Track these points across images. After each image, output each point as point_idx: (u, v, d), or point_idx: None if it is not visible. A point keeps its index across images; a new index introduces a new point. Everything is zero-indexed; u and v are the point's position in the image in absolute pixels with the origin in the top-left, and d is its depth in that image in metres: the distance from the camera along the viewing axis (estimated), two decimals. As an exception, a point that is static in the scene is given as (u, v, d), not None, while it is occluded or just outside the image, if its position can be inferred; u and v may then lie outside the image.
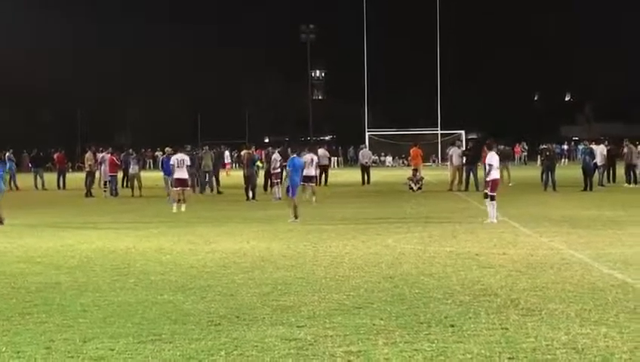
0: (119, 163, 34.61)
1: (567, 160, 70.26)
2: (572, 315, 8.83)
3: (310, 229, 18.22)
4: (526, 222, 19.07)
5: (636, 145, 35.17)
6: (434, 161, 71.73)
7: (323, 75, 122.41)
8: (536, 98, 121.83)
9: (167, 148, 31.79)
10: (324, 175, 39.25)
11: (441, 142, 72.41)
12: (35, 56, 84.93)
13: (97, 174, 34.87)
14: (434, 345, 7.68)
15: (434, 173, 46.76)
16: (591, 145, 34.22)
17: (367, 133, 73.85)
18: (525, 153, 74.20)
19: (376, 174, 45.63)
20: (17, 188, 38.85)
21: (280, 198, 26.57)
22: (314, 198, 27.01)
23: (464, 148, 37.37)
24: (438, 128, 75.17)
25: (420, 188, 32.88)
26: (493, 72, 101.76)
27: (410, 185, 33.28)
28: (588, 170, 31.38)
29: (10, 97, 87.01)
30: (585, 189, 30.54)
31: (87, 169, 35.00)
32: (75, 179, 42.27)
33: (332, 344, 7.77)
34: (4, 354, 7.63)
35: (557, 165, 35.26)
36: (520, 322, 8.54)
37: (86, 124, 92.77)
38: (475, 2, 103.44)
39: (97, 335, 8.26)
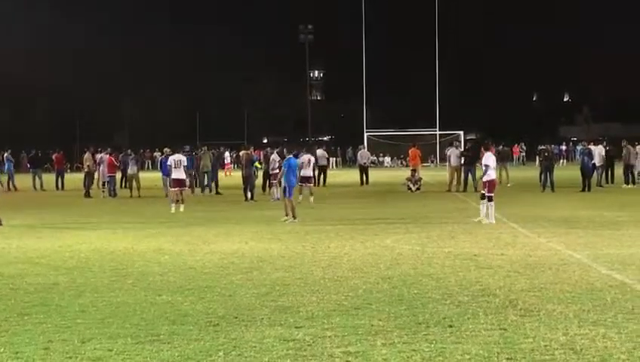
0: (118, 163, 34.60)
1: (565, 160, 70.30)
2: (570, 316, 8.83)
3: (309, 230, 18.22)
4: (524, 222, 19.08)
5: (634, 146, 35.20)
6: (432, 162, 71.76)
7: (322, 75, 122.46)
8: (534, 98, 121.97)
9: (165, 149, 31.81)
10: (322, 175, 39.24)
11: (439, 142, 72.42)
12: (34, 56, 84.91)
13: (96, 175, 34.86)
14: (432, 345, 7.68)
15: (432, 174, 46.77)
16: (589, 146, 34.25)
17: (365, 134, 73.87)
18: (524, 153, 74.24)
19: (374, 175, 45.66)
20: (16, 188, 38.81)
21: (278, 199, 26.56)
22: (312, 198, 27.01)
23: (462, 149, 37.38)
24: (437, 129, 75.18)
25: (418, 189, 32.90)
26: (492, 72, 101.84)
27: (408, 185, 33.30)
28: (586, 171, 31.41)
29: (9, 97, 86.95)
30: (583, 190, 30.57)
31: (86, 169, 35.00)
32: (74, 179, 42.26)
33: (330, 344, 7.77)
34: (2, 355, 7.63)
35: (555, 166, 35.29)
36: (518, 322, 8.54)
37: (85, 124, 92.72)
38: (473, 2, 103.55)
39: (96, 336, 8.26)
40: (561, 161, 67.83)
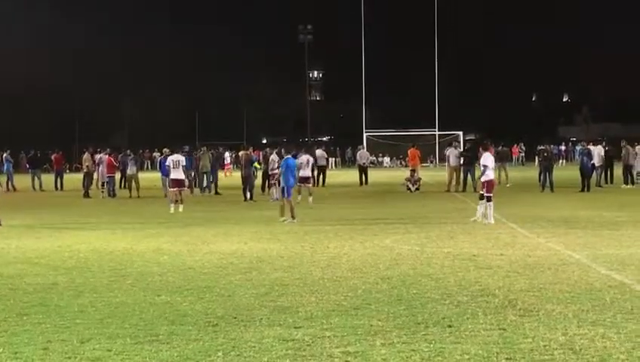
0: (117, 164, 34.58)
1: (564, 161, 70.33)
2: (570, 316, 8.83)
3: (308, 230, 18.22)
4: (523, 222, 19.08)
5: (634, 146, 35.22)
6: (432, 162, 71.79)
7: (321, 75, 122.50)
8: (534, 99, 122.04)
9: (165, 149, 31.80)
10: (322, 176, 39.25)
11: (438, 142, 72.44)
12: (34, 56, 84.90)
13: (95, 175, 34.85)
14: (431, 345, 7.68)
15: (432, 174, 46.77)
16: (588, 146, 34.25)
17: (365, 134, 73.89)
18: (523, 154, 74.25)
19: (374, 175, 45.66)
20: (15, 189, 38.80)
21: (278, 199, 26.56)
22: (311, 199, 27.03)
23: (462, 149, 37.38)
24: (436, 129, 75.21)
25: (417, 189, 32.91)
26: (492, 72, 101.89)
27: (407, 185, 33.32)
28: (585, 171, 31.41)
29: (9, 97, 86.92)
30: (582, 190, 30.58)
31: (85, 170, 34.99)
32: (73, 180, 42.25)
33: (330, 344, 7.77)
34: (1, 355, 7.63)
35: (554, 166, 35.29)
36: (517, 322, 8.54)
37: (84, 124, 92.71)
38: (472, 3, 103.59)
39: (95, 336, 8.25)
40: (561, 161, 67.86)
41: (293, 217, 20.30)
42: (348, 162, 78.89)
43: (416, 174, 34.47)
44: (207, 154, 34.69)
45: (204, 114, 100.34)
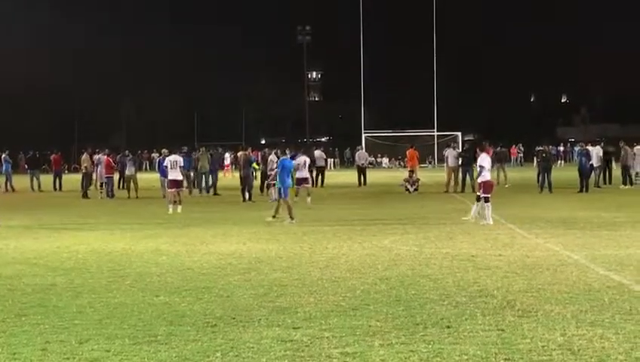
0: (115, 166, 34.54)
1: (563, 161, 70.34)
2: (568, 316, 8.84)
3: (306, 231, 18.22)
4: (522, 223, 19.09)
5: (632, 147, 35.23)
6: (430, 163, 71.80)
7: (319, 76, 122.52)
8: (532, 99, 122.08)
9: (163, 150, 31.80)
10: (320, 176, 39.27)
11: (437, 143, 72.44)
12: (33, 56, 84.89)
13: (94, 176, 34.83)
14: (430, 346, 7.68)
15: (430, 175, 46.78)
16: (587, 147, 34.27)
17: (363, 135, 73.87)
18: (521, 154, 74.28)
19: (372, 176, 45.66)
20: (13, 189, 38.79)
21: (277, 200, 26.57)
22: (309, 199, 27.05)
23: (460, 150, 37.39)
24: (435, 130, 75.22)
25: (416, 190, 32.92)
26: (490, 74, 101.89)
27: (406, 186, 33.33)
28: (584, 172, 31.42)
29: (8, 97, 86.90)
30: (581, 191, 30.59)
31: (84, 170, 34.98)
32: (71, 180, 42.22)
33: (328, 345, 7.77)
34: (0, 356, 7.64)
35: (553, 166, 35.30)
36: (516, 323, 8.55)
37: (83, 124, 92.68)
38: (471, 4, 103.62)
39: (93, 337, 8.25)
40: (559, 161, 67.86)
41: (291, 217, 20.31)
42: (346, 163, 78.92)
43: (414, 175, 34.48)
44: (206, 154, 34.68)
45: (203, 114, 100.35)
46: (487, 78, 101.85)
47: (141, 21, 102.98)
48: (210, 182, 33.90)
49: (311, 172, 36.03)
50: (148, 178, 42.98)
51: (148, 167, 70.80)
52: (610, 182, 34.80)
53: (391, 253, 14.29)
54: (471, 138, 79.68)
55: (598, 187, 33.08)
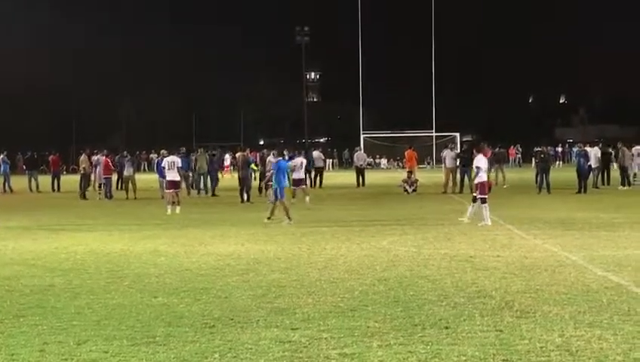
0: (113, 168, 34.48)
1: (561, 162, 70.36)
2: (566, 317, 8.84)
3: (305, 231, 18.22)
4: (520, 224, 19.09)
5: (630, 148, 35.24)
6: (429, 163, 71.79)
7: (318, 76, 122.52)
8: (531, 100, 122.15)
9: (162, 151, 31.75)
10: (319, 177, 39.26)
11: (435, 144, 72.40)
12: (33, 56, 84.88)
13: (92, 176, 34.80)
14: (428, 347, 7.69)
15: (429, 176, 46.79)
16: (585, 148, 34.28)
17: (362, 135, 73.85)
18: (520, 155, 74.26)
19: (370, 176, 45.66)
20: (12, 190, 38.77)
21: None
22: (307, 198, 27.06)
23: (458, 151, 37.39)
24: (433, 130, 75.18)
25: (414, 191, 32.93)
26: (488, 75, 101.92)
27: (404, 187, 33.32)
28: (582, 173, 31.44)
29: (8, 97, 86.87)
30: (579, 191, 30.60)
31: (82, 171, 34.95)
32: (70, 181, 42.20)
33: (326, 346, 7.77)
34: (-3, 357, 7.63)
35: (551, 167, 35.32)
36: (514, 324, 8.55)
37: (82, 125, 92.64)
38: (470, 5, 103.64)
39: (91, 338, 8.25)
40: (557, 162, 67.88)
41: (289, 218, 20.32)
42: (345, 164, 78.87)
43: (413, 176, 34.49)
44: (204, 155, 34.67)
45: (202, 115, 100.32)
46: (486, 78, 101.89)
47: (141, 21, 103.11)
48: (209, 184, 33.85)
49: (309, 172, 36.07)
50: (146, 179, 42.96)
51: (146, 168, 70.76)
52: (608, 183, 34.82)
53: (389, 253, 14.29)
54: (469, 139, 79.67)
55: (597, 188, 33.09)
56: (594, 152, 34.13)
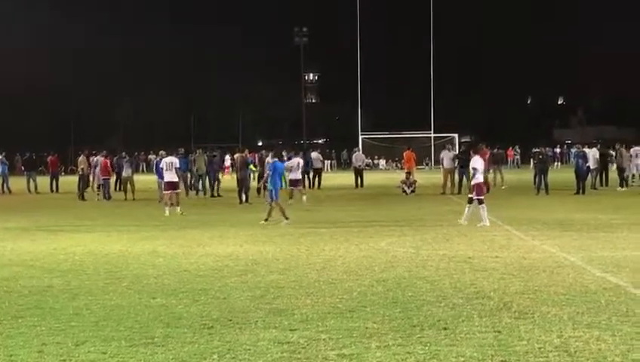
0: (111, 169, 34.46)
1: (559, 163, 70.40)
2: (564, 318, 8.84)
3: (303, 232, 18.22)
4: (519, 225, 19.09)
5: (627, 149, 35.25)
6: (427, 164, 71.79)
7: (317, 77, 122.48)
8: (529, 101, 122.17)
9: (161, 152, 31.75)
10: (317, 178, 39.26)
11: (434, 145, 72.42)
12: (33, 56, 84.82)
13: (91, 177, 34.78)
14: (427, 348, 7.69)
15: (427, 176, 46.80)
16: (584, 149, 34.30)
17: (360, 136, 73.85)
18: (518, 156, 74.31)
19: (369, 177, 45.65)
20: (10, 191, 38.76)
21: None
22: (304, 198, 27.07)
23: (456, 152, 37.39)
24: (431, 131, 75.20)
25: (413, 192, 32.93)
26: (487, 76, 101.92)
27: (403, 188, 33.33)
28: (580, 174, 31.45)
29: (8, 97, 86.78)
30: (577, 192, 30.61)
31: (80, 172, 34.94)
32: (68, 182, 42.18)
33: (325, 347, 7.77)
34: (-4, 358, 7.63)
35: (550, 168, 35.33)
36: (512, 325, 8.55)
37: (81, 125, 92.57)
38: (469, 5, 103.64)
39: (90, 339, 8.25)
40: (556, 163, 67.91)
41: (286, 218, 20.34)
42: (343, 165, 78.86)
43: (411, 177, 34.49)
44: (203, 156, 34.66)
45: (201, 115, 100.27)
46: (485, 79, 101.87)
47: (141, 21, 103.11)
48: (208, 184, 33.84)
49: (307, 173, 36.05)
50: (145, 180, 42.95)
51: (145, 169, 70.74)
52: (607, 184, 34.83)
53: (388, 254, 14.29)
54: (467, 140, 79.64)
55: (595, 189, 33.10)
56: (592, 153, 34.14)
